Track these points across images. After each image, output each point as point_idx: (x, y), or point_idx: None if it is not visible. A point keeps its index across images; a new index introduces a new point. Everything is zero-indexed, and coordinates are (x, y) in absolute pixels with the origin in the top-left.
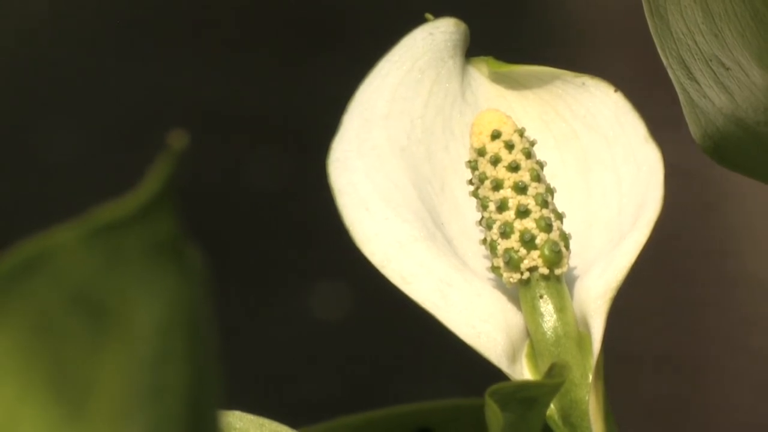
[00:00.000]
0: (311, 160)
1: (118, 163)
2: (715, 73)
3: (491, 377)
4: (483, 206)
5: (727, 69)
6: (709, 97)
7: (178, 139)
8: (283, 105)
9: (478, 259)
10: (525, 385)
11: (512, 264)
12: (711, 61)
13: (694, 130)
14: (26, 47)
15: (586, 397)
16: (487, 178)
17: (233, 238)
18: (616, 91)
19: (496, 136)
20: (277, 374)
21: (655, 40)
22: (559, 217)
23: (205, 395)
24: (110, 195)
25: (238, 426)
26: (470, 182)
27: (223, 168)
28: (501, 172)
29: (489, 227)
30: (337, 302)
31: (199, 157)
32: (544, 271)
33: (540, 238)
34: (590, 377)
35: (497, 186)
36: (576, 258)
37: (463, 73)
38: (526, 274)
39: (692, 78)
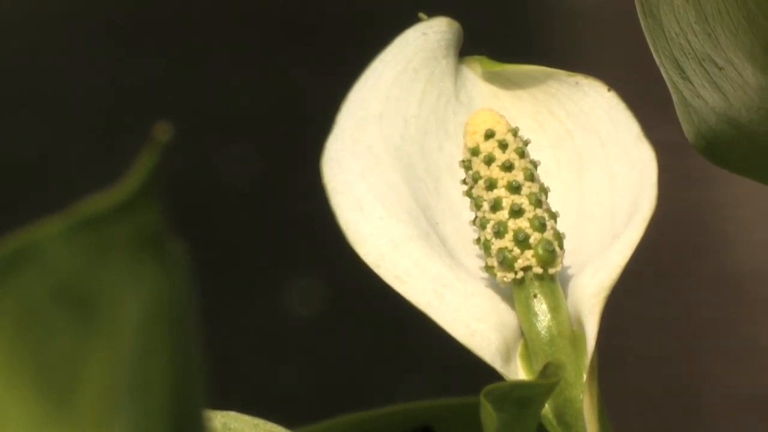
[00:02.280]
0: (300, 159)
1: (109, 158)
2: (708, 73)
3: (478, 374)
4: (477, 206)
5: (720, 68)
6: (702, 96)
7: (162, 132)
8: (273, 104)
9: (472, 258)
10: (520, 385)
11: (506, 263)
12: (704, 60)
13: (687, 130)
14: (19, 47)
15: (581, 396)
16: (480, 177)
17: (222, 235)
18: (609, 90)
19: (489, 135)
20: (267, 374)
21: (648, 40)
22: (553, 216)
23: (189, 389)
24: (99, 191)
25: (233, 426)
26: (464, 182)
27: (211, 165)
28: (495, 171)
29: (483, 227)
30: (325, 300)
31: (186, 154)
32: (538, 270)
33: (534, 237)
34: (584, 376)
35: (491, 185)
36: (570, 257)
37: (457, 72)
38: (520, 274)
39: (685, 77)
